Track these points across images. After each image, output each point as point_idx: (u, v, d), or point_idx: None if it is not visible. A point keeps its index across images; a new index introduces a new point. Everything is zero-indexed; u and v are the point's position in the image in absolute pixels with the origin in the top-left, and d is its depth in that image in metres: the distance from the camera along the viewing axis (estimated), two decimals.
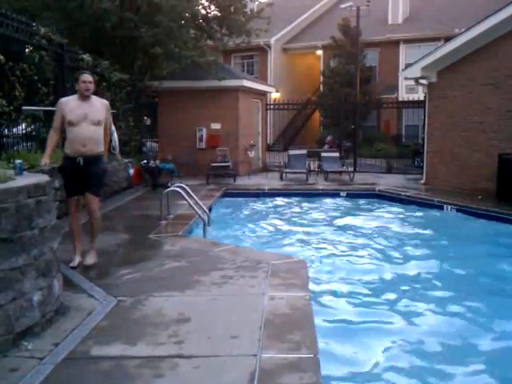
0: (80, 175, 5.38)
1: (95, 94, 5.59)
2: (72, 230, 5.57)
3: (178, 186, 8.54)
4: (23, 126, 8.49)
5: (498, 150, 11.33)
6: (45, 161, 5.36)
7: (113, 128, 11.24)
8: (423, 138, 14.46)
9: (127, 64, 13.52)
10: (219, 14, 15.35)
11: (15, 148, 8.08)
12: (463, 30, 13.36)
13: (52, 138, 5.47)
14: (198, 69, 13.86)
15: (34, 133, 8.79)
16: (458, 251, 7.76)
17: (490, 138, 11.91)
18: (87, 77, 5.41)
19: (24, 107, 8.06)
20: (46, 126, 8.80)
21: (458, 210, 10.24)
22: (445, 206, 10.53)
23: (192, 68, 13.81)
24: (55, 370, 3.25)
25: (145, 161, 12.73)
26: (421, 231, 9.08)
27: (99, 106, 5.51)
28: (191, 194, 8.49)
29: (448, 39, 14.44)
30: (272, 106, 19.61)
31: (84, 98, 5.38)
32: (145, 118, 16.14)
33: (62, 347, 3.56)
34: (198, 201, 8.53)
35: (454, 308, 5.34)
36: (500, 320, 5.06)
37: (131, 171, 11.95)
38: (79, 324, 3.97)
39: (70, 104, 5.37)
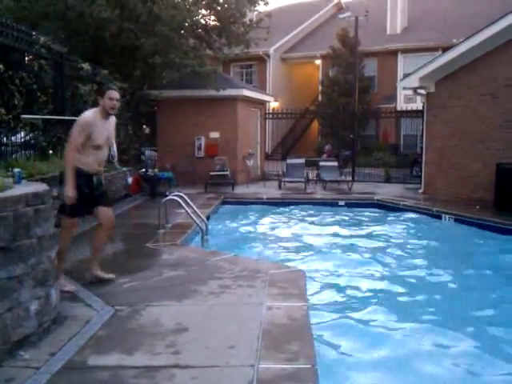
0: (91, 193, 4.98)
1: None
2: (62, 251, 4.87)
3: (176, 195, 8.53)
4: (22, 134, 8.49)
5: (496, 160, 11.36)
6: (72, 192, 4.77)
7: None
8: (421, 148, 14.48)
9: (126, 73, 13.57)
10: (218, 24, 15.43)
11: (14, 156, 8.07)
12: (461, 40, 13.43)
13: (74, 160, 4.80)
14: (197, 78, 13.92)
15: (32, 141, 8.79)
16: (455, 259, 7.76)
17: (489, 147, 11.92)
18: (116, 94, 4.98)
19: (23, 115, 8.06)
20: (44, 135, 8.81)
21: (455, 220, 10.25)
22: (443, 216, 10.54)
23: (191, 77, 13.87)
24: (51, 380, 3.23)
25: (143, 169, 12.73)
26: (419, 241, 9.05)
27: (113, 127, 5.21)
28: (189, 202, 8.48)
29: (446, 49, 14.51)
30: (271, 115, 19.65)
31: (107, 116, 5.01)
32: (144, 126, 16.16)
33: (59, 357, 3.55)
34: (196, 210, 8.53)
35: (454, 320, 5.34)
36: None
37: (130, 180, 11.95)
38: (76, 333, 3.95)
39: (97, 124, 4.89)
